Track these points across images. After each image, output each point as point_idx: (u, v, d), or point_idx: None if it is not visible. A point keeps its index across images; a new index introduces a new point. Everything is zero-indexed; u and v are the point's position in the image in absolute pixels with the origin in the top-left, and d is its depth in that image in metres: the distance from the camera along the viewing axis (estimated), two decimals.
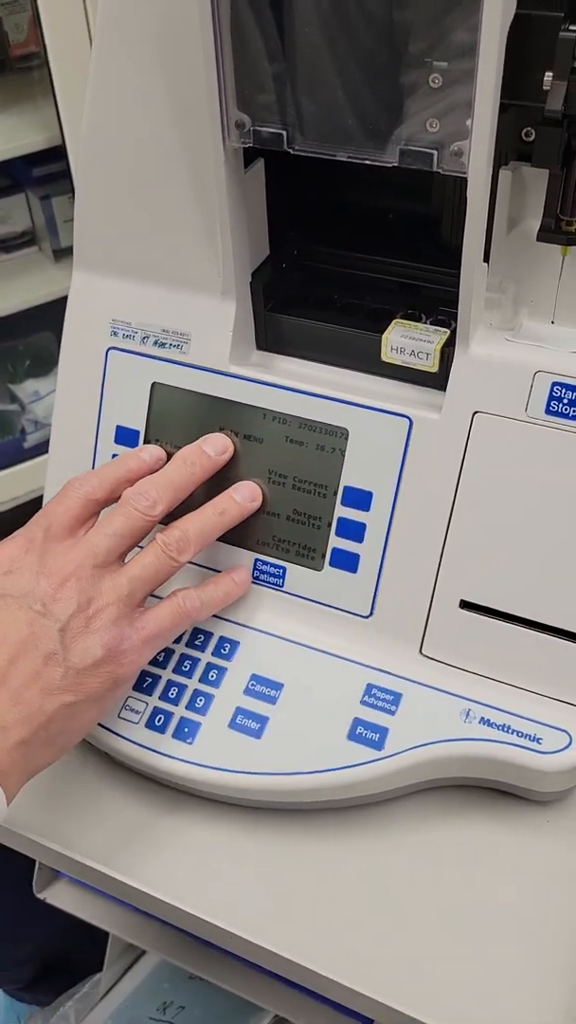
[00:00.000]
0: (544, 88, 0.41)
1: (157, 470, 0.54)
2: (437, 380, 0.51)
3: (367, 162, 0.44)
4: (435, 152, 0.43)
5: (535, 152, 0.43)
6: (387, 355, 0.52)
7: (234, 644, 0.55)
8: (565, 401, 0.47)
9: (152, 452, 0.55)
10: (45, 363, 1.66)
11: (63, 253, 1.58)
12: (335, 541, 0.53)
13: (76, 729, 0.48)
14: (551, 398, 0.47)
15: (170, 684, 0.54)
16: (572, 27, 0.40)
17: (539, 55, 0.41)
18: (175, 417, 0.57)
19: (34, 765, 0.46)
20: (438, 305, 0.54)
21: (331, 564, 0.54)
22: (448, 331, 0.51)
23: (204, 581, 0.54)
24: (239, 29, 0.44)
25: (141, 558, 0.50)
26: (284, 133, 0.45)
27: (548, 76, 0.41)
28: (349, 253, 0.57)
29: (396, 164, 0.44)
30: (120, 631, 0.48)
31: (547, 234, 0.46)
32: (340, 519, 0.53)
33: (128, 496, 0.51)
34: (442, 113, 0.43)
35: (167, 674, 0.54)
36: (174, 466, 0.53)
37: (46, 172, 1.50)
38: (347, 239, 0.57)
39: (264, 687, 0.53)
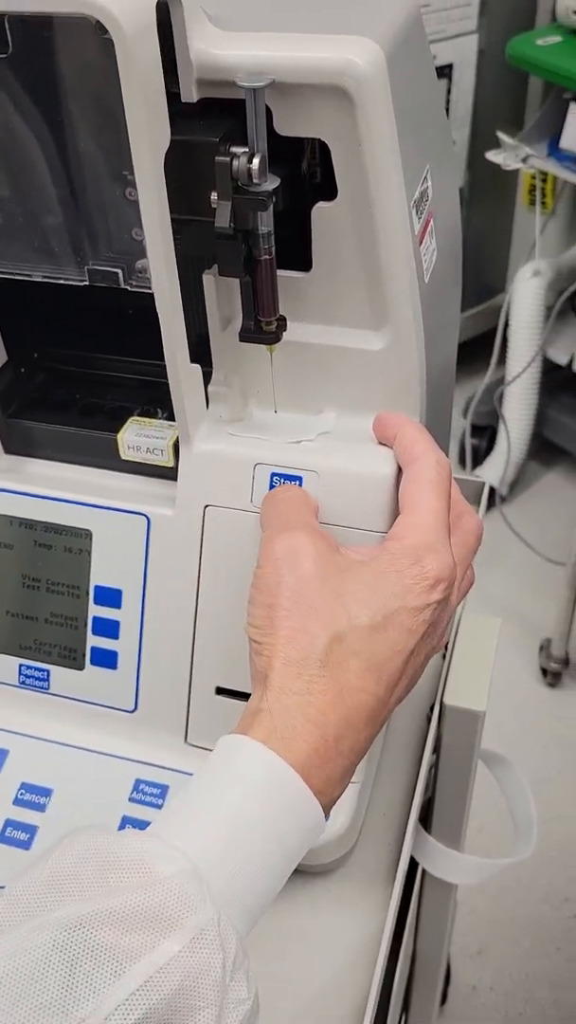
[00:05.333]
0: (213, 206, 0.43)
1: None
2: (176, 473, 0.53)
3: (61, 281, 0.46)
4: (120, 271, 0.44)
5: (219, 263, 0.45)
6: (125, 453, 0.53)
7: (3, 753, 0.54)
8: None
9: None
10: None
11: None
12: (92, 640, 0.54)
13: None
14: (272, 488, 0.49)
15: None
16: (232, 148, 0.42)
17: (205, 177, 0.43)
18: None
19: None
20: None
21: (92, 663, 0.54)
22: None
23: None
24: None
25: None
26: None
27: (214, 196, 0.43)
28: (90, 353, 0.58)
29: (88, 283, 0.45)
30: None
31: (248, 334, 0.48)
32: (95, 618, 0.53)
33: None
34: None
35: None
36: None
37: None
38: (87, 338, 0.58)
39: (33, 795, 0.53)
